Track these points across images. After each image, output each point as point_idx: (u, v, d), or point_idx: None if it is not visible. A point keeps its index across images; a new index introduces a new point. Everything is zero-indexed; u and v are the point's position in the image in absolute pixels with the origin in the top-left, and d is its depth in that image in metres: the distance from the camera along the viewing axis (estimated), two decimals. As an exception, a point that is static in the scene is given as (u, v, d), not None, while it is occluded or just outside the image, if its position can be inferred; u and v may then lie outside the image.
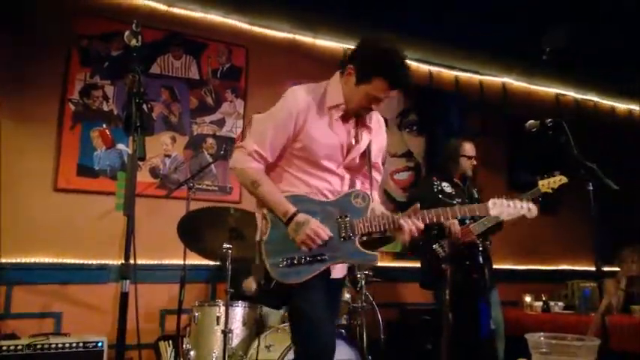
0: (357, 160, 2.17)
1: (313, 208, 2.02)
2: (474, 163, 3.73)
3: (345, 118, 2.11)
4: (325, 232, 1.97)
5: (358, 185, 2.21)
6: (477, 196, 3.73)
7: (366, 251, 2.05)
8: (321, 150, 2.05)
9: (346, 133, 2.11)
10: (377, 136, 2.24)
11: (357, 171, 2.21)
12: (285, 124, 2.03)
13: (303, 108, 2.03)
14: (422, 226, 2.04)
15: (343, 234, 2.02)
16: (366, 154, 2.18)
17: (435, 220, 2.07)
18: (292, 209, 1.98)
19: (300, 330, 2.01)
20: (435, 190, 3.60)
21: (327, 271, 2.08)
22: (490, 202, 2.12)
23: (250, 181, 2.05)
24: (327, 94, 2.09)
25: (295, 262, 1.97)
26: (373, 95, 2.02)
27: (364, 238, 2.10)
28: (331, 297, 2.13)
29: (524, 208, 2.15)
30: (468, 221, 3.48)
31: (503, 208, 2.12)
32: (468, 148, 3.71)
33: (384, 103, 2.08)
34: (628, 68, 5.59)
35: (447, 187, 3.63)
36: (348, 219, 2.03)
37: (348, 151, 2.12)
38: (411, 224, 2.02)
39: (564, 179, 3.26)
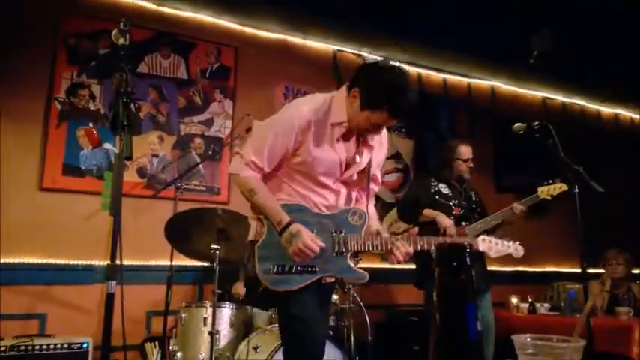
0: (355, 177, 2.17)
1: (309, 219, 2.04)
2: (470, 165, 3.69)
3: (346, 136, 2.10)
4: (317, 245, 1.98)
5: (354, 198, 2.22)
6: (474, 198, 3.72)
7: (357, 269, 2.07)
8: (319, 167, 2.05)
9: (346, 151, 2.11)
10: (378, 151, 2.25)
11: (355, 185, 2.22)
12: (285, 136, 2.01)
13: (305, 123, 2.01)
14: (412, 251, 2.06)
15: (336, 249, 2.03)
16: (365, 171, 2.18)
17: (425, 246, 2.09)
18: (286, 219, 1.98)
19: (292, 332, 2.01)
20: (432, 190, 3.60)
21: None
22: (480, 239, 2.23)
23: (247, 189, 2.06)
24: (331, 110, 2.07)
25: (286, 269, 1.99)
26: (375, 123, 2.03)
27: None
28: (322, 300, 2.14)
29: (510, 247, 2.28)
30: (463, 223, 3.50)
31: (491, 245, 2.24)
32: (464, 151, 3.67)
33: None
34: (614, 73, 5.66)
35: (444, 188, 3.63)
36: (342, 234, 2.05)
37: (347, 167, 2.12)
38: (403, 251, 2.04)
39: (564, 187, 3.26)
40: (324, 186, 2.09)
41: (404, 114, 2.02)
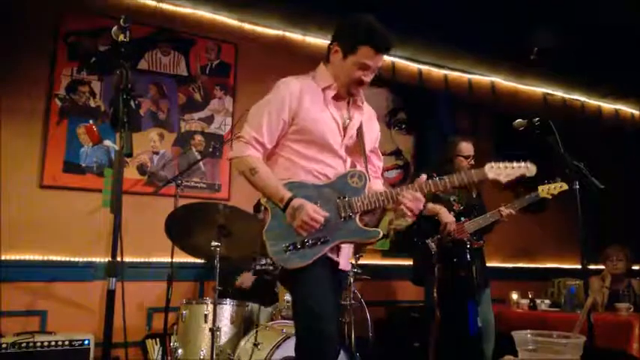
0: (354, 139, 2.20)
1: (311, 192, 2.04)
2: (472, 163, 3.66)
3: (338, 98, 2.16)
4: (321, 215, 1.98)
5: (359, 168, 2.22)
6: (474, 194, 3.72)
7: (367, 228, 2.06)
8: (319, 128, 2.09)
9: (340, 112, 2.16)
10: (370, 121, 2.29)
11: (356, 153, 2.23)
12: (280, 108, 2.07)
13: (295, 92, 2.08)
14: (421, 197, 2.06)
15: (343, 214, 2.04)
16: (359, 135, 2.20)
17: (432, 189, 2.09)
18: (288, 195, 1.99)
19: (302, 322, 2.00)
20: None
21: (335, 262, 2.10)
22: (487, 167, 2.13)
23: (249, 169, 2.06)
24: (316, 79, 2.16)
25: (298, 246, 1.99)
26: (362, 63, 2.06)
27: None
28: (336, 290, 2.14)
29: (522, 167, 2.14)
30: (463, 219, 3.50)
31: (500, 170, 2.13)
32: (465, 147, 3.66)
33: (372, 75, 2.12)
34: (615, 68, 5.65)
35: None
36: (346, 199, 2.05)
37: (345, 129, 2.16)
38: (410, 197, 2.03)
39: (565, 186, 3.24)
40: (331, 151, 2.11)
41: (386, 44, 2.07)
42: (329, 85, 2.13)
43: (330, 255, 2.06)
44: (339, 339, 2.07)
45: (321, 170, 2.10)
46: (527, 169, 2.15)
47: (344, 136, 2.15)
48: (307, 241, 1.99)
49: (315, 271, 1.99)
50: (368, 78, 2.13)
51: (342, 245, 2.11)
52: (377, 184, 2.28)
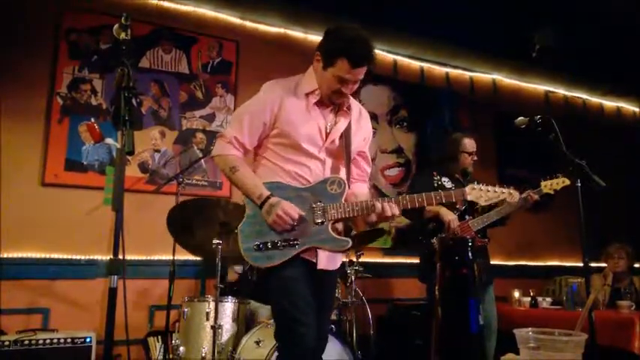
0: (337, 143, 2.20)
1: (288, 194, 2.07)
2: (475, 158, 3.69)
3: (321, 104, 2.17)
4: (296, 212, 2.01)
5: (342, 172, 2.22)
6: None
7: (338, 237, 2.08)
8: (300, 132, 2.10)
9: (323, 117, 2.18)
10: (359, 124, 2.29)
11: (340, 157, 2.23)
12: (260, 111, 2.12)
13: (277, 96, 2.12)
14: (396, 211, 2.05)
15: (317, 219, 2.06)
16: (343, 138, 2.20)
17: (409, 205, 2.08)
18: (266, 193, 2.04)
19: (282, 327, 2.03)
20: (436, 185, 3.58)
21: (313, 263, 2.10)
22: (468, 187, 2.12)
23: (229, 167, 2.11)
24: (300, 84, 2.18)
25: (269, 246, 2.02)
26: (339, 76, 2.07)
27: (353, 230, 2.12)
28: (320, 289, 2.12)
29: (504, 192, 2.11)
30: (467, 217, 3.49)
31: (481, 192, 2.11)
32: (468, 144, 3.67)
33: (356, 86, 2.12)
34: (618, 67, 5.64)
35: (447, 182, 3.61)
36: (321, 204, 2.07)
37: (327, 134, 2.17)
38: (387, 207, 2.04)
39: (567, 181, 3.25)
40: (309, 154, 2.13)
41: (362, 59, 2.05)
42: (312, 91, 2.15)
43: (304, 256, 2.06)
44: (319, 339, 2.09)
45: (300, 172, 2.12)
46: (510, 194, 2.12)
47: (325, 140, 2.16)
48: (277, 243, 2.02)
49: (288, 271, 2.01)
50: (348, 90, 2.12)
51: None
52: (361, 188, 2.29)
